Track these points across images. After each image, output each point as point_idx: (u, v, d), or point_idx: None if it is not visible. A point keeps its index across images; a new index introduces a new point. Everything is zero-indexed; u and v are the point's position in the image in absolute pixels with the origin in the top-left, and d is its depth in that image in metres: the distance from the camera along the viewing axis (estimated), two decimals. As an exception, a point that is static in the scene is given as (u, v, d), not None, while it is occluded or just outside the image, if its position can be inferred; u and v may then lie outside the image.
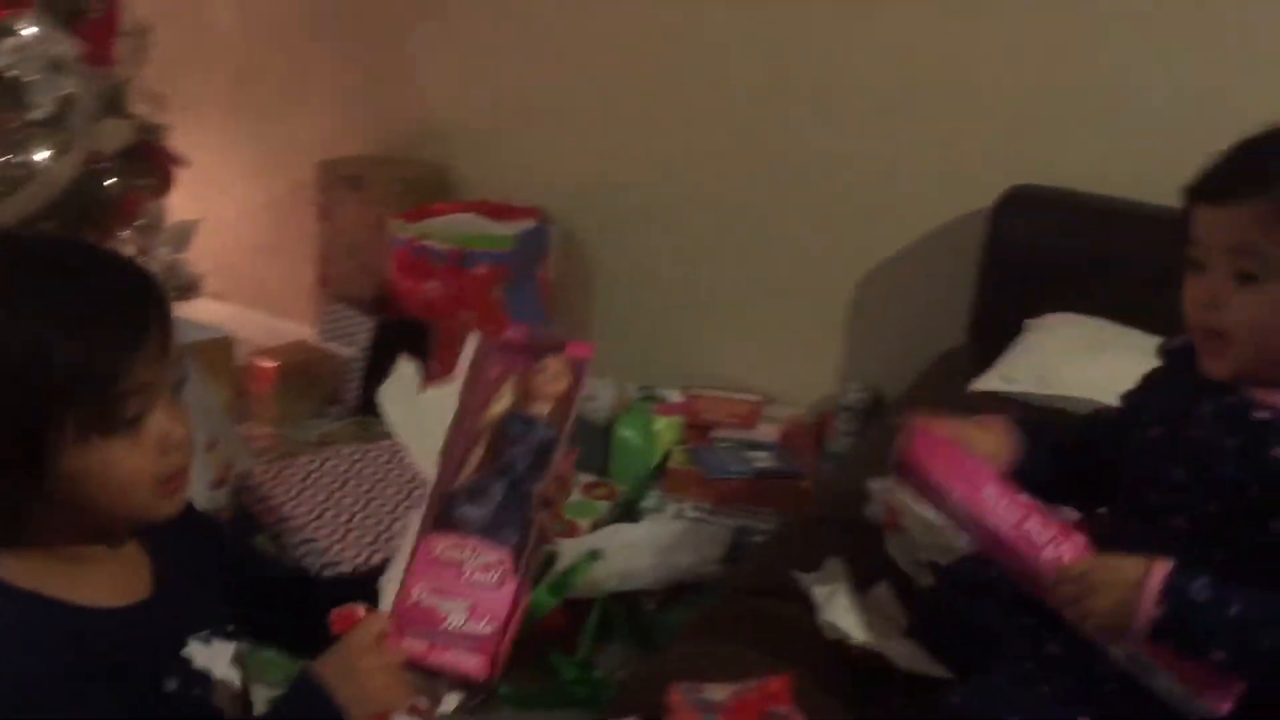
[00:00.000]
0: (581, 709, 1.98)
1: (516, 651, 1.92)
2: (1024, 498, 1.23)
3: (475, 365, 1.10)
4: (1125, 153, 2.36)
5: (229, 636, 1.06)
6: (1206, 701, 1.13)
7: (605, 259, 2.97)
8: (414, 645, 0.98)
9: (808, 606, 1.51)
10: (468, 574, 1.00)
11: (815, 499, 2.18)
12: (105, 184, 2.54)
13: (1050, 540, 1.19)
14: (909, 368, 2.48)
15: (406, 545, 1.02)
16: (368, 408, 2.84)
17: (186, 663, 1.01)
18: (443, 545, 1.01)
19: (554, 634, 2.13)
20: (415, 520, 1.04)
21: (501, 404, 1.06)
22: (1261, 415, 1.14)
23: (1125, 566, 1.15)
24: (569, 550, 2.26)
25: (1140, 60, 2.32)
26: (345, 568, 1.95)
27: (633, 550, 2.26)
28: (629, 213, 2.91)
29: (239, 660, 1.07)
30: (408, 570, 1.01)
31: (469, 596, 0.99)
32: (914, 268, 2.64)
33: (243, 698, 1.08)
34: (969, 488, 1.24)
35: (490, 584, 0.99)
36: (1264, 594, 1.11)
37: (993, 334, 2.34)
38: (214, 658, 1.04)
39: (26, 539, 0.94)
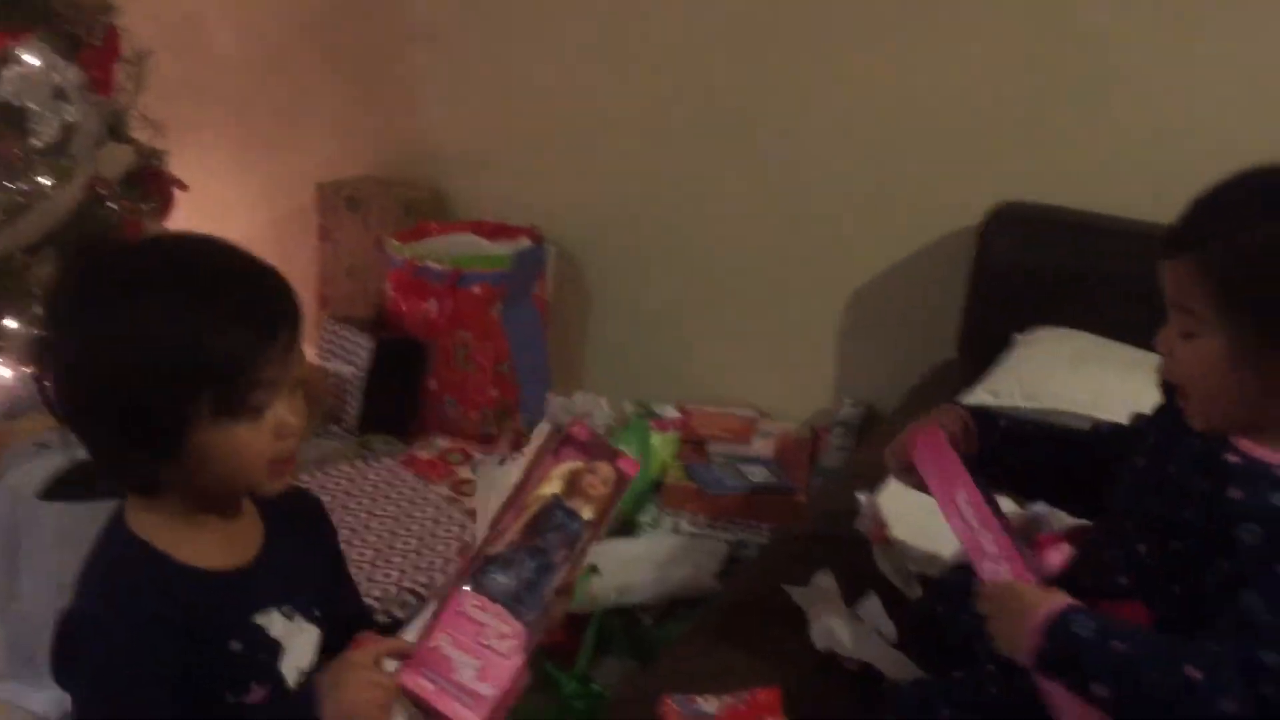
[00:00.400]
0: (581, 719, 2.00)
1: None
2: (992, 510, 1.27)
3: (541, 448, 1.25)
4: (1112, 170, 2.40)
5: (314, 620, 1.16)
6: None
7: (600, 277, 3.01)
8: (422, 685, 1.07)
9: (798, 620, 1.54)
10: (485, 637, 1.09)
11: (807, 513, 2.21)
12: (107, 209, 2.58)
13: (996, 556, 1.23)
14: (901, 382, 2.51)
15: (442, 591, 1.13)
16: (367, 427, 2.88)
17: (259, 629, 1.11)
18: (471, 603, 1.10)
19: (553, 648, 2.16)
20: (454, 571, 1.12)
21: (550, 487, 1.15)
22: (1232, 459, 1.15)
23: (1028, 595, 1.18)
24: (567, 566, 2.29)
25: (1127, 78, 2.36)
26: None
27: (630, 565, 2.29)
28: (623, 231, 2.95)
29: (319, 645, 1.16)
30: (436, 614, 1.10)
31: (481, 657, 1.08)
32: (905, 283, 2.68)
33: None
34: (944, 488, 1.30)
35: (501, 651, 1.09)
36: (1154, 634, 1.13)
37: (982, 348, 2.38)
38: (292, 633, 1.13)
39: (157, 497, 1.09)
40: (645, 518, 2.52)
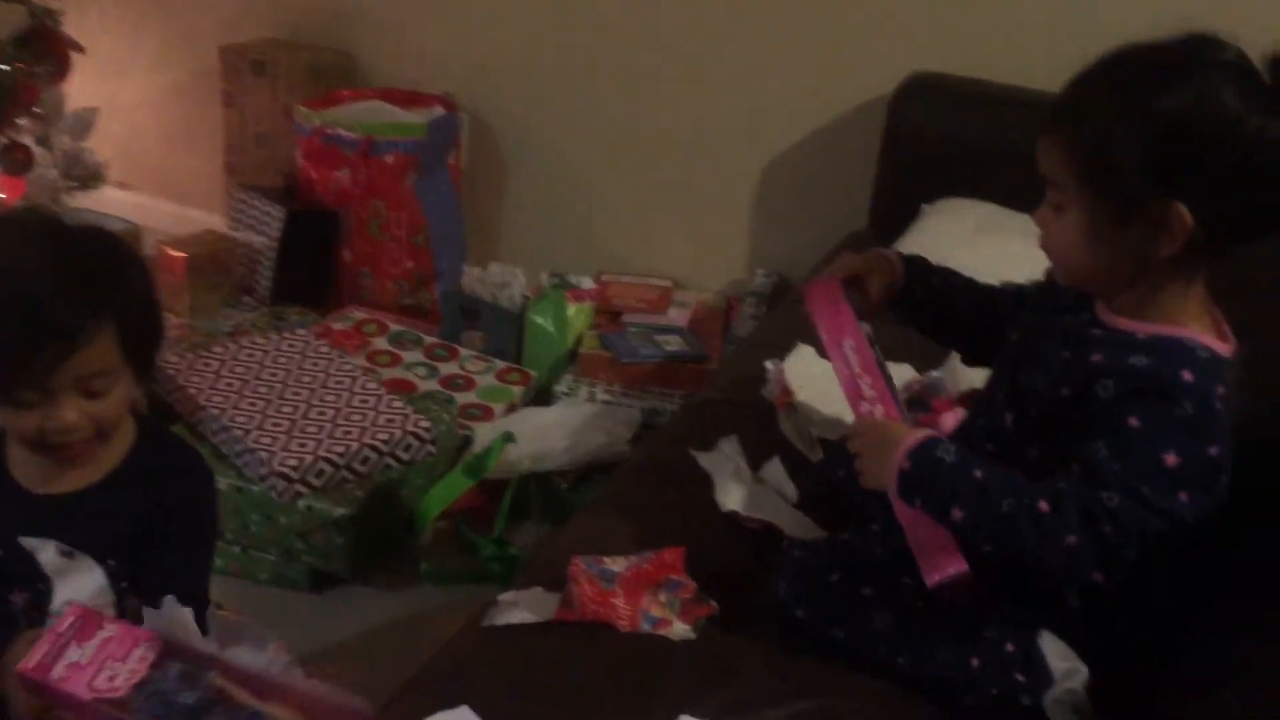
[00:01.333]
0: (498, 584, 2.06)
1: (436, 530, 1.99)
2: (874, 359, 1.35)
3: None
4: (1021, 41, 2.41)
5: (107, 567, 1.25)
6: (922, 567, 1.24)
7: (515, 147, 2.98)
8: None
9: (705, 484, 1.60)
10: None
11: (717, 381, 2.27)
12: (1, 70, 2.48)
13: (873, 399, 1.32)
14: (813, 253, 2.55)
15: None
16: (280, 298, 2.85)
17: (24, 551, 1.23)
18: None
19: (471, 513, 2.22)
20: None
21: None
22: (1096, 332, 1.23)
23: (896, 430, 1.27)
24: (484, 434, 2.33)
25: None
26: (262, 454, 1.99)
27: (546, 432, 2.34)
28: (537, 100, 2.91)
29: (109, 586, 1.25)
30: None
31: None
32: (818, 155, 2.70)
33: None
34: (833, 335, 1.37)
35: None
36: (1011, 470, 1.20)
37: (892, 219, 2.42)
38: (67, 569, 1.24)
39: None
40: (561, 386, 2.56)
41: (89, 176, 2.78)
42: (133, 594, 1.27)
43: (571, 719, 1.19)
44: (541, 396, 2.58)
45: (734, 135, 2.76)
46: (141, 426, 1.30)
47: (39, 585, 1.25)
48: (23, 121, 2.57)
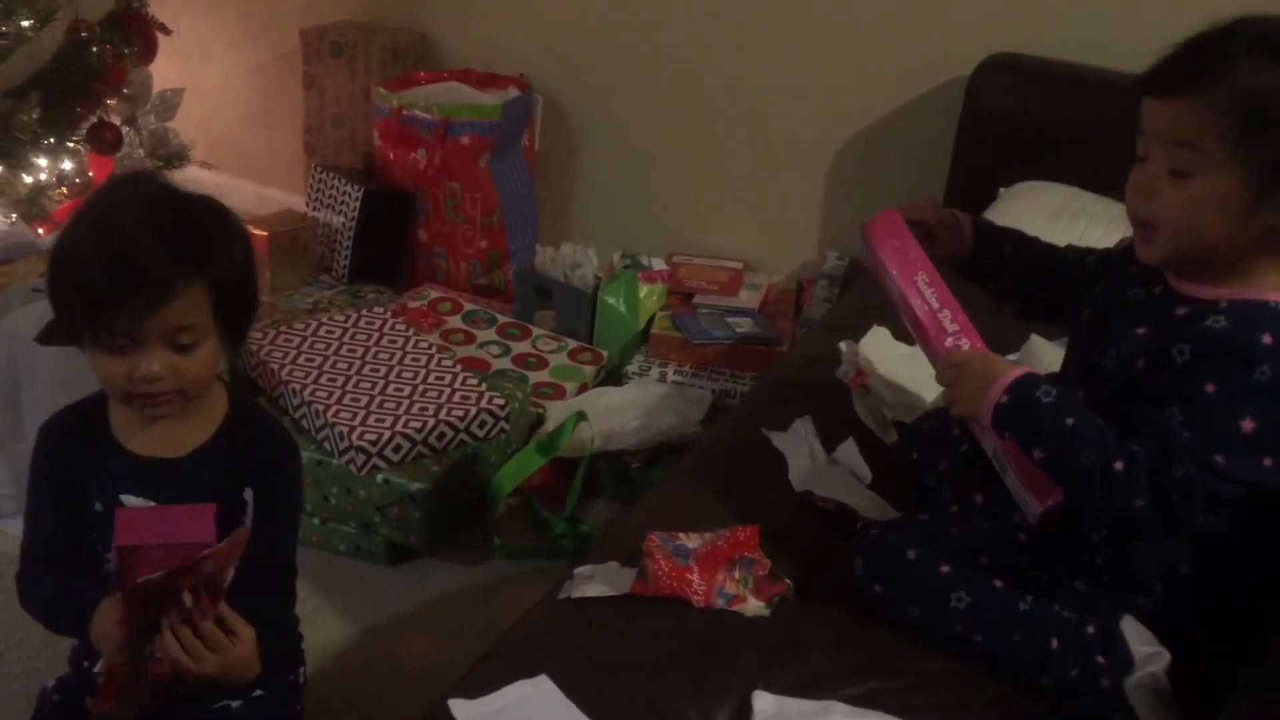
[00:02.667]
0: (569, 560, 2.09)
1: (509, 506, 2.01)
2: (950, 292, 1.35)
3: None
4: (1102, 21, 2.38)
5: None
6: (1032, 498, 1.24)
7: (590, 128, 2.99)
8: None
9: (778, 463, 1.61)
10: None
11: (789, 362, 2.27)
12: (89, 52, 2.55)
13: (957, 331, 1.32)
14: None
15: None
16: (357, 276, 2.90)
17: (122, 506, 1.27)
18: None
19: (542, 491, 2.24)
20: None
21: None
22: (1180, 312, 1.21)
23: (997, 362, 1.27)
24: (556, 412, 2.36)
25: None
26: (342, 428, 2.03)
27: (617, 412, 2.35)
28: (613, 81, 2.93)
29: None
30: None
31: None
32: (893, 136, 2.68)
33: None
34: (904, 270, 1.37)
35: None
36: (1102, 422, 1.19)
37: (969, 202, 2.39)
38: None
39: None
40: (632, 367, 2.58)
41: (174, 156, 2.84)
42: None
43: (647, 692, 1.20)
44: (612, 376, 2.60)
45: (808, 117, 2.75)
46: (233, 399, 1.35)
47: None
48: (111, 102, 2.64)
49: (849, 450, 1.59)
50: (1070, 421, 1.18)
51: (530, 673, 1.21)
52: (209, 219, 1.26)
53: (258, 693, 1.33)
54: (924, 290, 1.34)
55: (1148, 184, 1.20)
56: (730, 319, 2.65)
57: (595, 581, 1.34)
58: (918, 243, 1.39)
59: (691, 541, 1.36)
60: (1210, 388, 1.14)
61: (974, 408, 1.25)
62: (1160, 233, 1.21)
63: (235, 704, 1.33)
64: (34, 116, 2.41)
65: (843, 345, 1.77)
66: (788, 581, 1.35)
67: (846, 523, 1.48)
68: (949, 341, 1.31)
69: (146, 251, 1.18)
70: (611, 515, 2.24)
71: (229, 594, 1.19)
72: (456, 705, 1.15)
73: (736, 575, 1.33)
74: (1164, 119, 1.18)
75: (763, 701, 1.17)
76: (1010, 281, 1.50)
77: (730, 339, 2.58)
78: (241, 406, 1.35)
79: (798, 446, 1.59)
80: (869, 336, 1.78)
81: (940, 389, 1.36)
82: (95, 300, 1.18)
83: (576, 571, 1.38)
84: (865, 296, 2.17)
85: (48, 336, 1.97)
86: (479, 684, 1.21)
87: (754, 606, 1.31)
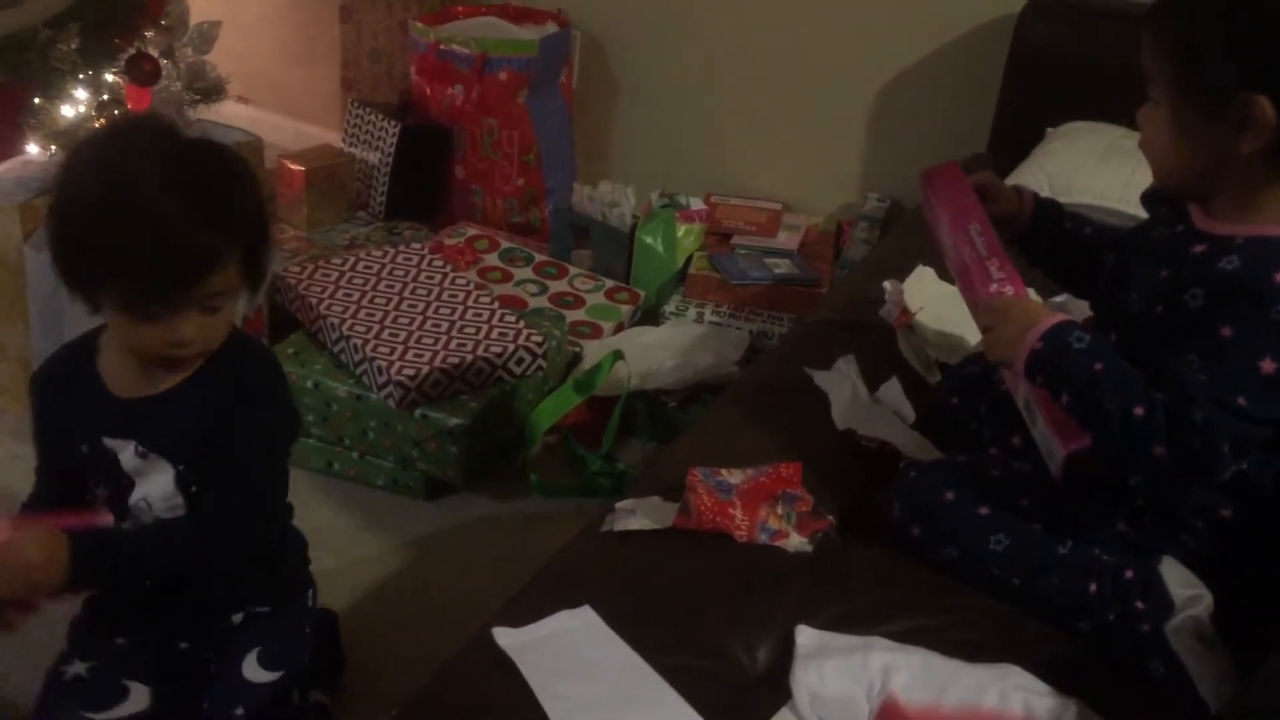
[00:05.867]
0: (605, 498, 2.10)
1: (545, 443, 2.02)
2: (1000, 242, 1.35)
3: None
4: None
5: (178, 470, 1.30)
6: (1058, 442, 1.23)
7: (627, 65, 2.96)
8: None
9: (819, 402, 1.60)
10: None
11: (829, 303, 2.25)
12: (128, -16, 2.53)
13: (1002, 280, 1.31)
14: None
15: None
16: (394, 213, 2.90)
17: (107, 450, 1.30)
18: None
19: (579, 429, 2.25)
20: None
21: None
22: (1198, 249, 1.21)
23: (1035, 308, 1.27)
24: (593, 351, 2.36)
25: None
26: (380, 363, 2.04)
27: (654, 351, 2.35)
28: (652, 18, 2.88)
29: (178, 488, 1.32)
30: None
31: None
32: (937, 75, 2.63)
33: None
34: (958, 218, 1.37)
35: None
36: (1130, 369, 1.18)
37: (1013, 142, 2.35)
38: (144, 469, 1.30)
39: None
40: (669, 306, 2.57)
41: (210, 90, 2.81)
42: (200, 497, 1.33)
43: (689, 624, 1.21)
44: (649, 316, 2.59)
45: (849, 55, 2.70)
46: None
47: (121, 482, 1.31)
48: (149, 34, 2.62)
49: (893, 389, 1.58)
50: (1098, 367, 1.18)
51: (572, 604, 1.21)
52: (226, 172, 1.24)
53: (263, 609, 1.42)
54: (975, 238, 1.34)
55: (1142, 114, 1.27)
56: (768, 260, 2.63)
57: (637, 515, 1.34)
58: (973, 193, 1.39)
59: (734, 477, 1.36)
60: (1226, 331, 1.14)
61: (1009, 352, 1.24)
62: (1147, 162, 1.27)
63: (237, 618, 1.41)
64: (72, 47, 2.40)
65: (887, 284, 1.75)
66: (830, 518, 1.35)
67: (889, 462, 1.47)
68: (993, 288, 1.31)
69: (188, 225, 1.17)
70: (647, 454, 2.24)
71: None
72: (500, 633, 1.15)
73: (779, 511, 1.33)
74: (1143, 51, 1.24)
75: (805, 636, 1.17)
76: (1067, 258, 1.49)
77: (768, 280, 2.56)
78: (229, 341, 1.32)
79: (841, 385, 1.58)
80: (914, 276, 1.76)
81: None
82: (133, 278, 1.18)
83: (618, 505, 1.38)
84: (908, 238, 2.14)
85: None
86: (521, 614, 1.22)
87: (796, 542, 1.31)
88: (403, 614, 1.83)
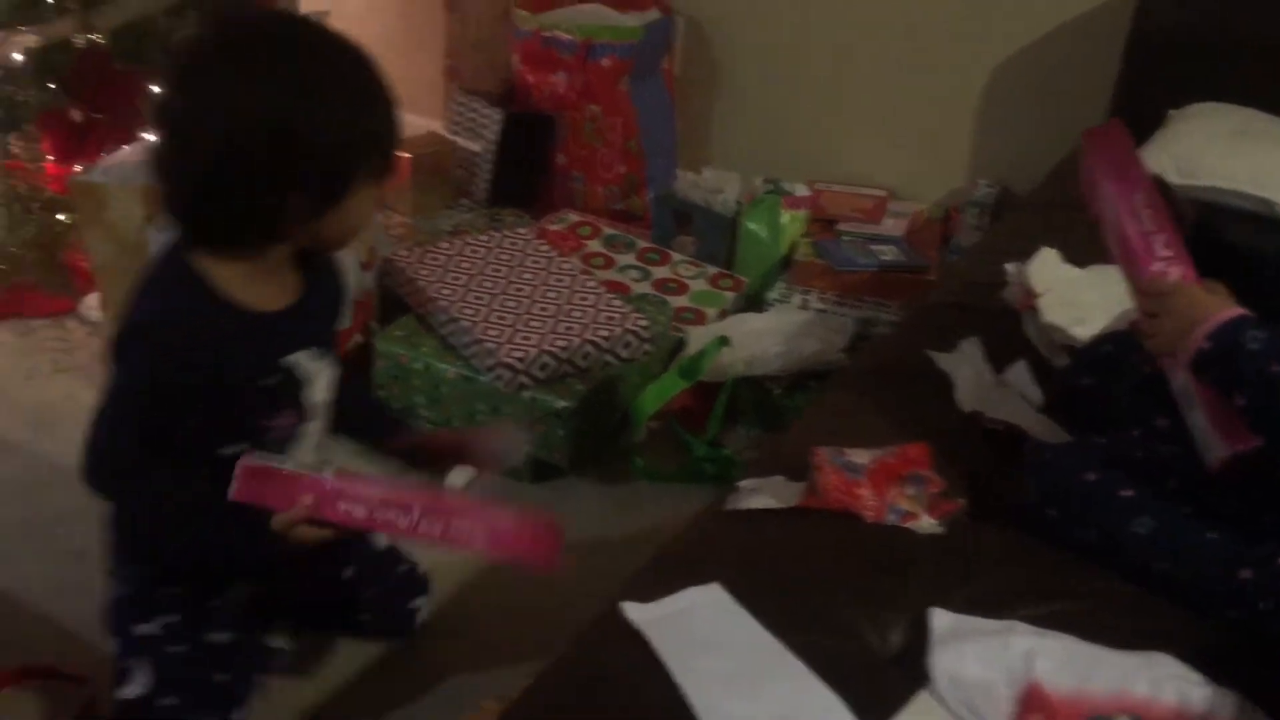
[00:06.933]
0: (710, 484, 2.08)
1: (649, 429, 2.02)
2: (1169, 216, 1.27)
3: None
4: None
5: (332, 361, 1.39)
6: (1222, 440, 1.18)
7: (730, 50, 2.93)
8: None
9: (940, 385, 1.56)
10: None
11: (941, 289, 2.21)
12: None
13: (1167, 258, 1.24)
14: (1039, 162, 2.44)
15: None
16: (497, 200, 2.91)
17: (290, 366, 1.32)
18: None
19: (683, 414, 2.23)
20: None
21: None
22: None
23: (1203, 298, 1.20)
24: (697, 337, 2.34)
25: None
26: (489, 345, 2.05)
27: (760, 337, 2.32)
28: (754, 2, 2.86)
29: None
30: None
31: None
32: (1050, 55, 2.56)
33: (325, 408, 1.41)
34: (1122, 186, 1.29)
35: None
36: None
37: (1134, 125, 2.26)
38: (317, 370, 1.36)
39: (238, 249, 1.24)
40: (773, 293, 2.54)
41: (318, 79, 2.86)
42: None
43: (819, 604, 1.19)
44: (752, 303, 2.56)
45: (958, 36, 2.65)
46: None
47: (302, 391, 1.35)
48: (262, 23, 2.67)
49: (1020, 372, 1.53)
50: (1276, 369, 1.12)
51: (697, 581, 1.19)
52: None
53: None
54: (1140, 210, 1.26)
55: None
56: (875, 246, 2.59)
57: (761, 494, 1.32)
58: (1140, 160, 1.32)
59: (860, 457, 1.33)
60: None
61: (1172, 346, 1.19)
62: None
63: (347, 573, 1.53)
64: (188, 35, 2.45)
65: (1009, 267, 1.71)
66: (960, 500, 1.32)
67: (1016, 445, 1.43)
68: (1156, 266, 1.24)
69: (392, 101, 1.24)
70: (752, 440, 2.22)
71: None
72: (630, 608, 1.14)
73: (909, 492, 1.30)
74: None
75: (940, 619, 1.14)
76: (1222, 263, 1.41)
77: (874, 266, 2.52)
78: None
79: (965, 367, 1.54)
80: (1038, 259, 1.71)
81: (1116, 313, 1.30)
82: (388, 145, 1.24)
83: (740, 484, 1.36)
84: (1024, 221, 2.09)
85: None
86: (647, 590, 1.20)
87: (927, 524, 1.28)
88: (508, 594, 1.83)
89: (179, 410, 1.26)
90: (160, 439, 1.26)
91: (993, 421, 1.45)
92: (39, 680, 1.50)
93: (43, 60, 2.22)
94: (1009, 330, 1.65)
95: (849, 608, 1.18)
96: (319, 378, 1.37)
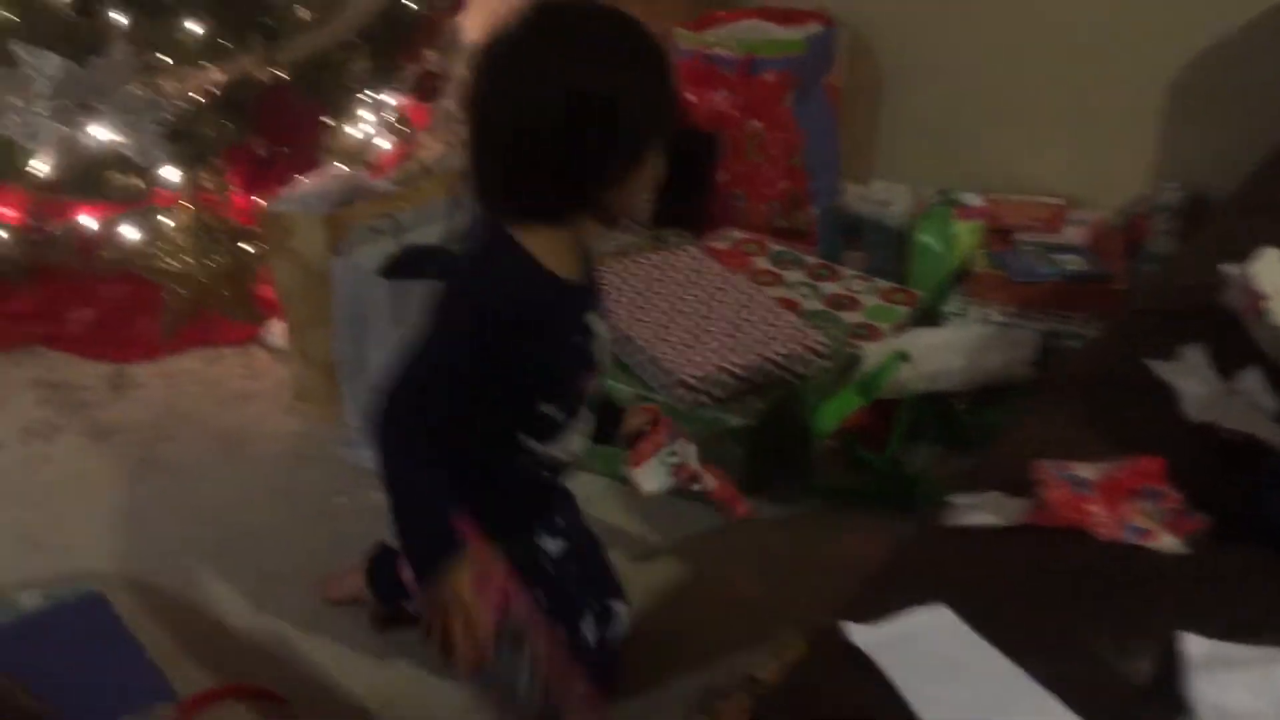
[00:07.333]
0: (891, 504, 2.01)
1: (826, 448, 2.00)
2: None
3: None
4: None
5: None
6: None
7: (896, 60, 2.86)
8: None
9: (1158, 395, 1.46)
10: None
11: (1134, 297, 2.10)
12: (408, 5, 2.64)
13: None
14: (1231, 166, 2.29)
15: None
16: (658, 220, 2.89)
17: (589, 327, 1.47)
18: None
19: (861, 432, 2.17)
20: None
21: None
22: None
23: None
24: (872, 353, 2.27)
25: None
26: (666, 364, 2.02)
27: (939, 352, 2.24)
28: (916, 10, 2.79)
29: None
30: None
31: None
32: (1242, 55, 2.42)
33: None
34: None
35: None
36: None
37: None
38: (602, 329, 1.51)
39: (549, 222, 1.37)
40: (949, 307, 2.45)
41: (482, 106, 2.91)
42: None
43: (1054, 628, 1.11)
44: (927, 317, 2.48)
45: (1139, 37, 2.53)
46: None
47: (600, 359, 1.51)
48: (429, 53, 2.72)
49: (1253, 378, 1.42)
50: None
51: (918, 601, 1.13)
52: None
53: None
54: None
55: None
56: (1056, 256, 2.48)
57: (980, 510, 1.25)
58: None
59: (1086, 471, 1.25)
60: None
61: None
62: None
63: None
64: (363, 66, 2.51)
65: (1228, 269, 1.60)
66: (1203, 516, 1.22)
67: (1256, 458, 1.32)
68: None
69: None
70: (931, 459, 2.14)
71: None
72: (854, 629, 1.09)
73: (1144, 508, 1.21)
74: None
75: (1194, 645, 1.05)
76: None
77: (1058, 276, 2.42)
78: None
79: (1190, 376, 1.44)
80: (1261, 261, 1.59)
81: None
82: (678, 104, 1.40)
83: (955, 501, 1.29)
84: (1231, 224, 1.96)
85: (390, 270, 2.04)
86: (862, 611, 1.14)
87: (1169, 542, 1.19)
88: (692, 616, 1.80)
89: (511, 372, 1.40)
90: (471, 407, 1.39)
91: (1230, 433, 1.35)
92: (246, 699, 1.53)
93: (228, 95, 2.30)
94: (1233, 336, 1.54)
95: (1090, 632, 1.10)
96: (605, 339, 1.51)
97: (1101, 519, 1.20)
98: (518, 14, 1.31)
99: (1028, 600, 1.15)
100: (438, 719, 1.59)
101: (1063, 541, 1.20)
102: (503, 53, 1.32)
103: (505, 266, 1.39)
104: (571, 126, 1.27)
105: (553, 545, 1.59)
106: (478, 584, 1.30)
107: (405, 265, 2.09)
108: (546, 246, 1.38)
